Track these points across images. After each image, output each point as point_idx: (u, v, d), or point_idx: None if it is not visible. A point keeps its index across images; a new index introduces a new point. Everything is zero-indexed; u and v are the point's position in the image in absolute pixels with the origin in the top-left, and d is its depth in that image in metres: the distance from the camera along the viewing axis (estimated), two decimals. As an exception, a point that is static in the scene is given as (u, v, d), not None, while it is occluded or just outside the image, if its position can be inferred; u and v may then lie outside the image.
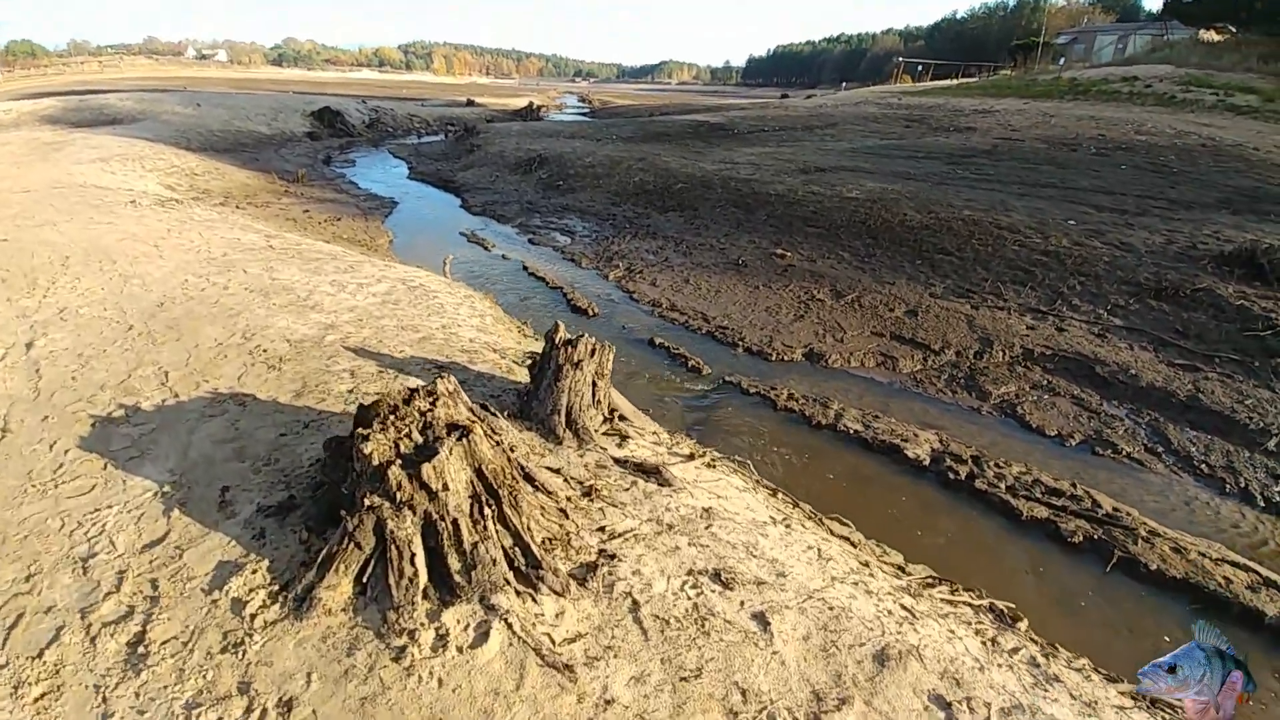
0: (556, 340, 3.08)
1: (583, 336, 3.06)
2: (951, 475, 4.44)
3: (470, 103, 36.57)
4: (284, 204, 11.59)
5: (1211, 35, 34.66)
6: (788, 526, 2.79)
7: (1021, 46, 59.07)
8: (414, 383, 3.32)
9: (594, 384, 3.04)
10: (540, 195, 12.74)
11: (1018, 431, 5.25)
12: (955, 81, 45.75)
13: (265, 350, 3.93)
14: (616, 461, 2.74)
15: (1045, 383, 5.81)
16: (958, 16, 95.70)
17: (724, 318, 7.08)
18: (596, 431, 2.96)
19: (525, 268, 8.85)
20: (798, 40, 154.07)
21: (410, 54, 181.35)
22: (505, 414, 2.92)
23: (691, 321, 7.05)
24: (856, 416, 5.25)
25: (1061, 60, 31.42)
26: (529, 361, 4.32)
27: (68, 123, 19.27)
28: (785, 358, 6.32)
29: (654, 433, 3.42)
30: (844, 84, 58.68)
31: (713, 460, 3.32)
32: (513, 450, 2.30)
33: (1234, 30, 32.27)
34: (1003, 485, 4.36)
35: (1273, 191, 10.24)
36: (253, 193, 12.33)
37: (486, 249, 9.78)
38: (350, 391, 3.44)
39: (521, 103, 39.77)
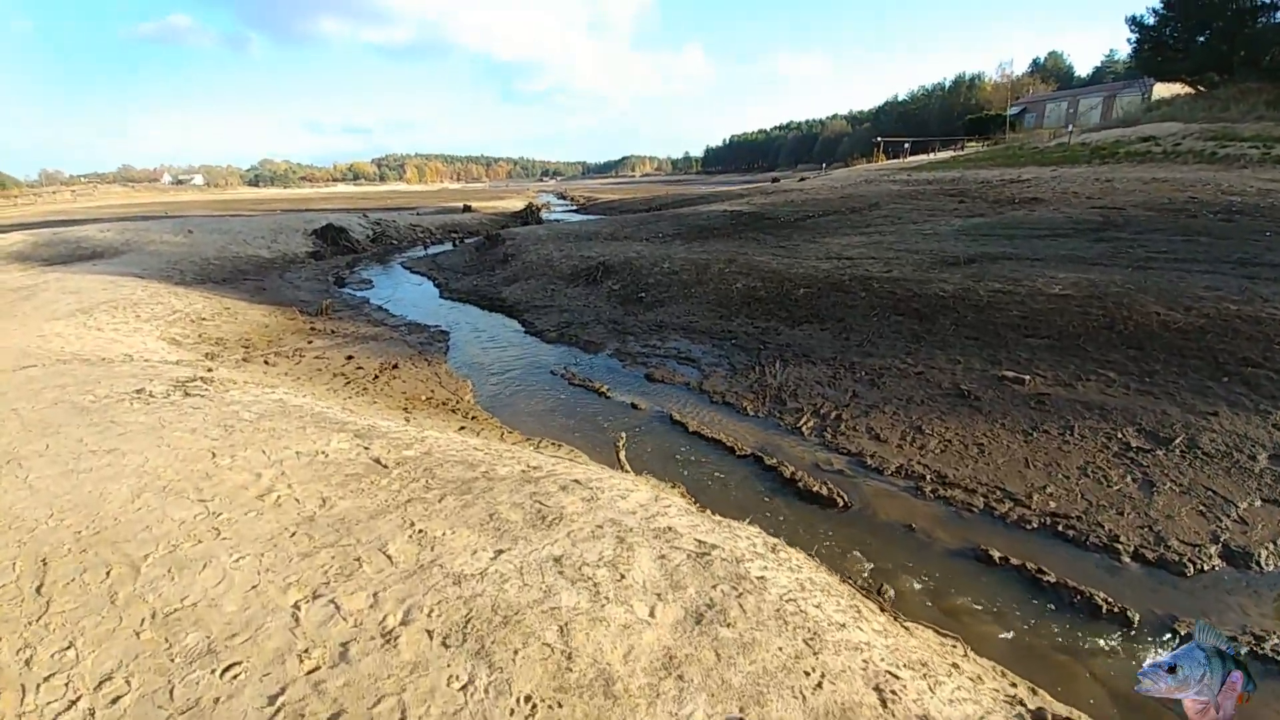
0: None
1: None
2: None
3: (467, 208, 35.60)
4: (319, 349, 9.29)
5: (1174, 89, 35.68)
6: None
7: (977, 120, 62.29)
8: None
9: None
10: (622, 312, 10.71)
11: None
12: (929, 156, 47.03)
13: None
14: None
15: None
16: (899, 99, 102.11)
17: (1037, 494, 4.84)
18: None
19: (676, 422, 6.61)
20: (750, 129, 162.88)
21: (384, 166, 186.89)
22: None
23: (994, 504, 4.79)
24: None
25: (1076, 125, 31.54)
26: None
27: (39, 260, 17.02)
28: (1199, 564, 4.06)
29: None
30: (823, 165, 60.53)
31: None
32: None
33: (1200, 86, 32.14)
34: None
35: None
36: (276, 336, 10.04)
37: (601, 395, 7.54)
38: None
39: (517, 205, 39.06)
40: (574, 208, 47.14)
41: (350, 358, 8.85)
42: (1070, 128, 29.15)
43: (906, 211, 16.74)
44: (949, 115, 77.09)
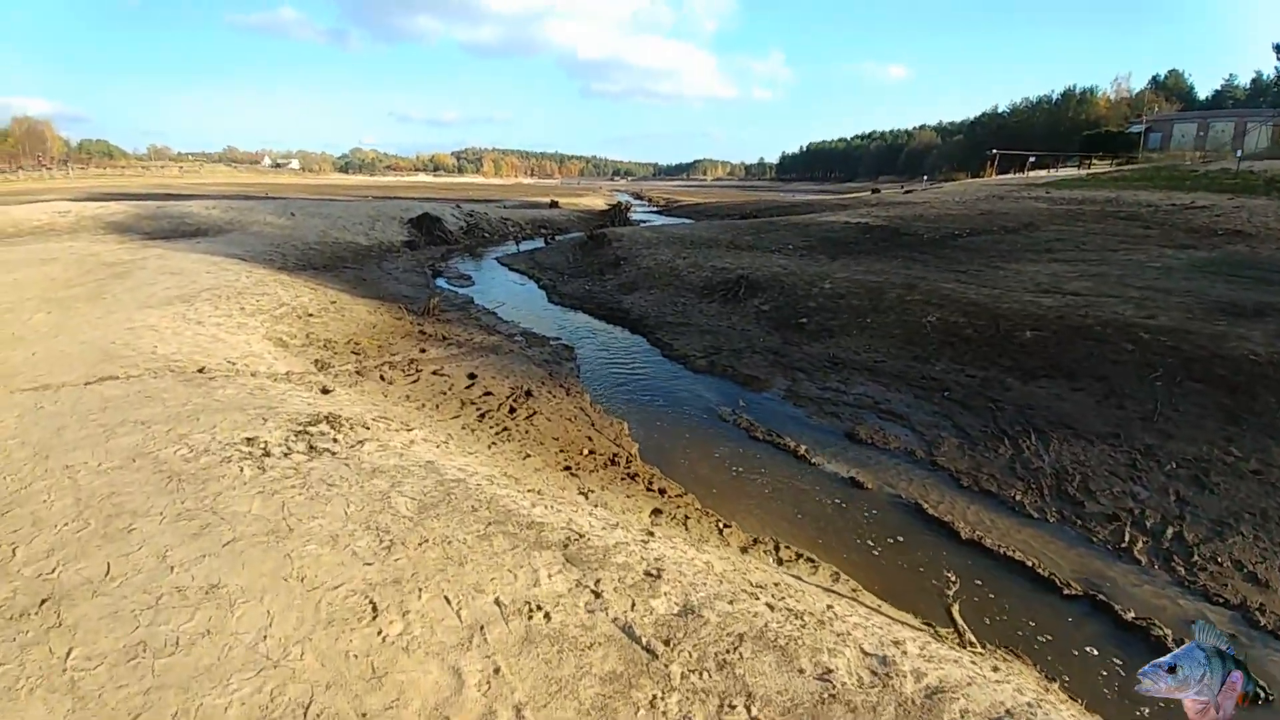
0: None
1: None
2: None
3: (554, 204, 34.66)
4: (435, 360, 8.00)
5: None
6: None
7: (1096, 137, 56.98)
8: None
9: None
10: (779, 340, 8.97)
11: None
12: (1049, 173, 42.83)
13: None
14: None
15: None
16: (999, 111, 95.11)
17: None
18: None
19: (932, 518, 4.83)
20: (829, 137, 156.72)
21: (462, 159, 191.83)
22: None
23: None
24: None
25: (1242, 150, 27.73)
26: None
27: (140, 232, 16.69)
28: None
29: None
30: (924, 178, 56.90)
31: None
32: None
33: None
34: None
35: None
36: (386, 340, 8.85)
37: (801, 459, 5.83)
38: None
39: (598, 203, 37.89)
40: (654, 209, 45.60)
41: (473, 377, 7.49)
42: (1239, 153, 25.44)
43: (1083, 236, 14.24)
44: (1056, 131, 71.15)
